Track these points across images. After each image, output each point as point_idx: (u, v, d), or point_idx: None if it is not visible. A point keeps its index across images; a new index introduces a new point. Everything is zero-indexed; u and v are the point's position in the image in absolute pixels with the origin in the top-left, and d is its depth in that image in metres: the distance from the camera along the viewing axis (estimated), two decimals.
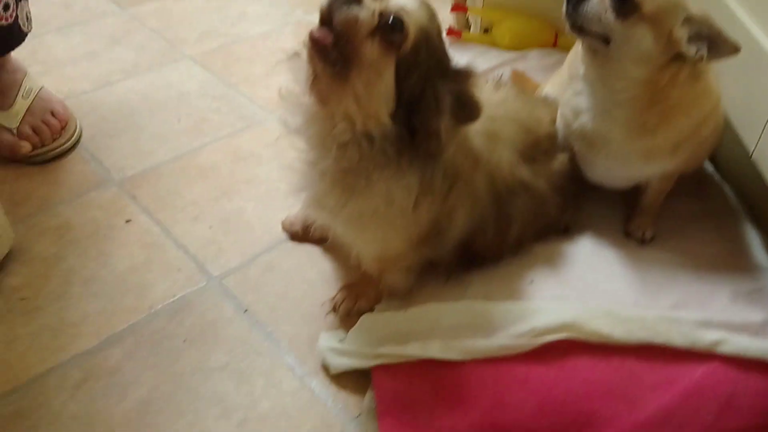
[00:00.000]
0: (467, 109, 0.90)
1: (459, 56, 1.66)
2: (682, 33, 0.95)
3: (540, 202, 1.09)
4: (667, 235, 1.20)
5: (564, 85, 1.12)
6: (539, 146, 1.11)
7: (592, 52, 1.01)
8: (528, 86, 1.49)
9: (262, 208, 1.38)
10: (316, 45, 0.83)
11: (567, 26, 1.00)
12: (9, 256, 1.24)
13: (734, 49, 0.95)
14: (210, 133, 1.59)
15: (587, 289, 1.05)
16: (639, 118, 1.01)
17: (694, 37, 0.95)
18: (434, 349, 0.98)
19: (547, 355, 0.96)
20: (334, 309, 1.13)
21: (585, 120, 1.06)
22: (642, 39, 0.95)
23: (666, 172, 1.11)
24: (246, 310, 1.17)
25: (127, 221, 1.35)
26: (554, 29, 1.63)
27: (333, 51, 0.82)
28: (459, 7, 1.71)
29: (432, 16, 0.88)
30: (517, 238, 1.12)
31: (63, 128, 1.51)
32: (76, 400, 1.03)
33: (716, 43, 0.95)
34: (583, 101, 1.06)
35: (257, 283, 1.22)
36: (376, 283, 1.12)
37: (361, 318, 1.08)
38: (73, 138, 1.52)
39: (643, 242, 1.19)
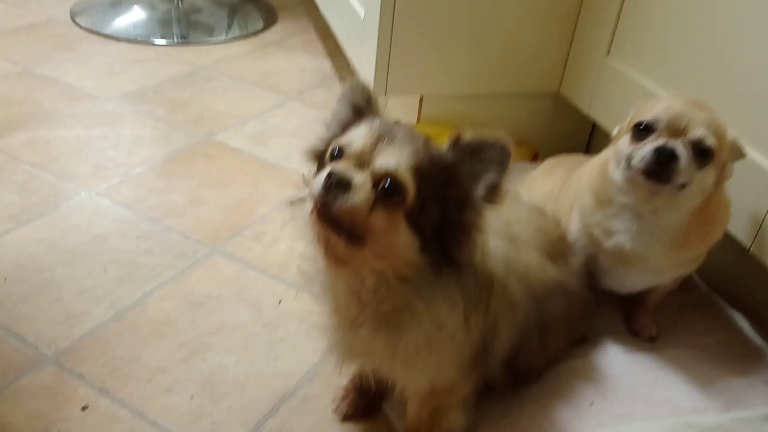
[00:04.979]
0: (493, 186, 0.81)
1: None
2: (730, 162, 1.03)
3: (573, 302, 1.08)
4: (667, 329, 1.24)
5: (588, 209, 1.13)
6: (556, 248, 1.10)
7: (652, 194, 1.03)
8: None
9: (246, 360, 1.20)
10: (327, 220, 0.77)
11: (643, 179, 1.00)
12: None
13: (744, 155, 1.05)
14: (149, 280, 1.37)
15: (646, 403, 1.03)
16: (684, 237, 1.06)
17: (730, 160, 1.03)
18: None
19: None
20: None
21: (622, 240, 1.08)
22: (709, 179, 1.01)
23: (683, 276, 1.17)
24: None
25: (84, 408, 1.09)
26: None
27: (341, 227, 0.77)
28: None
29: (417, 148, 0.80)
30: (554, 346, 1.09)
31: None
32: None
33: (737, 154, 1.04)
34: (618, 224, 1.08)
35: None
36: None
37: None
38: None
39: (651, 340, 1.22)
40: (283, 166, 1.80)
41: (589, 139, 1.80)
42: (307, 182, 0.87)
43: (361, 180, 0.76)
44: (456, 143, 0.81)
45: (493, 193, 0.80)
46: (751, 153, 1.09)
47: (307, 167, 0.89)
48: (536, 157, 1.75)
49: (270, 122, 2.04)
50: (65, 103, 2.03)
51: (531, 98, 1.72)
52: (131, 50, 2.43)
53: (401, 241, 0.79)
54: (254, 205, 1.63)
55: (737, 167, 1.07)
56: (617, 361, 1.12)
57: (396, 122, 0.85)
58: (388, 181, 0.76)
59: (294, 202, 0.89)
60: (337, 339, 0.94)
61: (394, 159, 0.77)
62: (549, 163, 1.43)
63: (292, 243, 1.50)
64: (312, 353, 1.23)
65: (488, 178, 0.80)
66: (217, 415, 1.10)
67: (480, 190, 0.80)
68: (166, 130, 1.94)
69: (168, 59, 2.39)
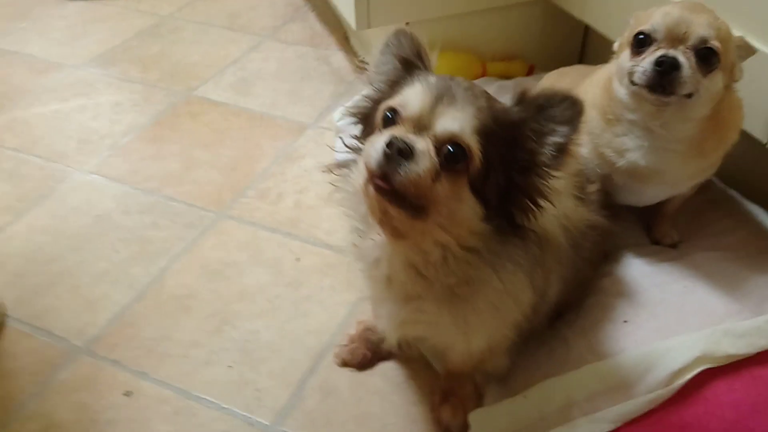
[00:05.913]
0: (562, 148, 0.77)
1: None
2: (739, 62, 0.99)
3: (601, 235, 1.07)
4: (687, 233, 1.24)
5: (596, 128, 1.10)
6: (580, 184, 1.09)
7: (659, 107, 1.00)
8: None
9: (276, 323, 1.21)
10: (386, 193, 0.72)
11: (648, 93, 0.97)
12: None
13: (754, 51, 1.02)
14: (162, 255, 1.36)
15: (678, 314, 1.05)
16: (699, 146, 1.04)
17: (738, 60, 1.00)
18: (582, 428, 0.92)
19: (687, 394, 0.94)
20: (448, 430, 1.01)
21: (635, 157, 1.06)
22: (717, 84, 0.98)
23: (701, 183, 1.16)
24: None
25: (127, 394, 1.10)
26: (482, 61, 1.67)
27: (403, 199, 0.72)
28: None
29: (481, 106, 0.74)
30: (583, 281, 1.09)
31: None
32: None
33: (746, 52, 1.00)
34: (629, 141, 1.06)
35: (324, 414, 1.06)
36: (471, 377, 1.03)
37: (472, 416, 0.99)
38: None
39: (674, 246, 1.22)
40: (272, 114, 1.75)
41: (582, 45, 1.75)
42: (351, 147, 0.83)
43: (424, 146, 0.71)
44: (522, 99, 0.77)
45: (561, 157, 0.76)
46: (762, 48, 1.06)
47: (347, 130, 0.85)
48: (532, 70, 1.70)
49: (249, 67, 1.96)
50: (34, 77, 1.94)
51: (519, 9, 1.66)
52: (88, 8, 2.31)
53: (465, 210, 0.75)
54: (251, 162, 1.59)
55: (747, 63, 1.04)
56: (643, 274, 1.14)
57: (452, 77, 0.78)
58: (452, 146, 0.71)
59: (333, 168, 0.84)
60: (389, 312, 0.91)
61: (457, 121, 0.72)
62: (550, 79, 1.38)
63: (298, 197, 1.48)
64: (340, 306, 1.23)
65: (556, 139, 0.75)
66: (259, 381, 1.12)
67: (546, 153, 0.76)
68: (144, 91, 1.86)
69: (129, 13, 2.28)
